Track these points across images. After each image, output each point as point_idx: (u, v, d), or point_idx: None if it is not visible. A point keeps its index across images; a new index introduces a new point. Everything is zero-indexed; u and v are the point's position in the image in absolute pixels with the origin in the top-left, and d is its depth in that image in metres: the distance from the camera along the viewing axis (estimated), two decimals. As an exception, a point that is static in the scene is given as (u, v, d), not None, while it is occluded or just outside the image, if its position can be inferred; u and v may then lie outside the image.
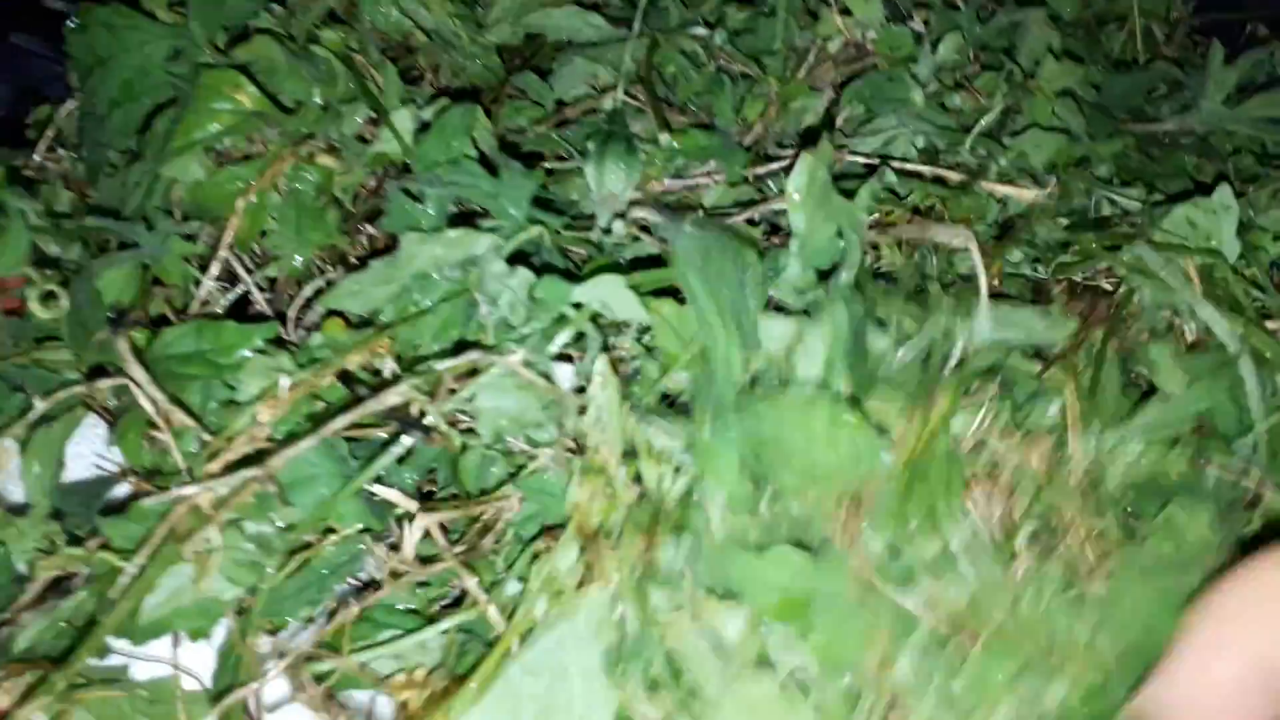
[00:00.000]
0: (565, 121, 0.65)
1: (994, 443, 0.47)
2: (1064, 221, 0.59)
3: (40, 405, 0.45)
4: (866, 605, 0.40)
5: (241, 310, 0.55)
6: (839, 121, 0.65)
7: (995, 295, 0.54)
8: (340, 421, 0.41)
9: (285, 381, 0.43)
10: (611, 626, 0.40)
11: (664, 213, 0.49)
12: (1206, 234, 0.54)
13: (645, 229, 0.55)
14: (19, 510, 0.46)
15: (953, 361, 0.48)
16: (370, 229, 0.59)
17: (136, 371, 0.42)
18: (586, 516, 0.42)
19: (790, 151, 0.60)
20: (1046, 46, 0.68)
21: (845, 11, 0.66)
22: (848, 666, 0.38)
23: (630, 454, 0.43)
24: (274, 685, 0.43)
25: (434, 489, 0.50)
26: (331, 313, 0.48)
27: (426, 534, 0.44)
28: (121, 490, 0.50)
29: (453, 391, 0.45)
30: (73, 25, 0.58)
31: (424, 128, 0.58)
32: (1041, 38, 0.69)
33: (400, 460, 0.47)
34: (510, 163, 0.51)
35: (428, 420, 0.44)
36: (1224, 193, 0.54)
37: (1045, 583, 0.42)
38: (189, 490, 0.39)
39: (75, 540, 0.46)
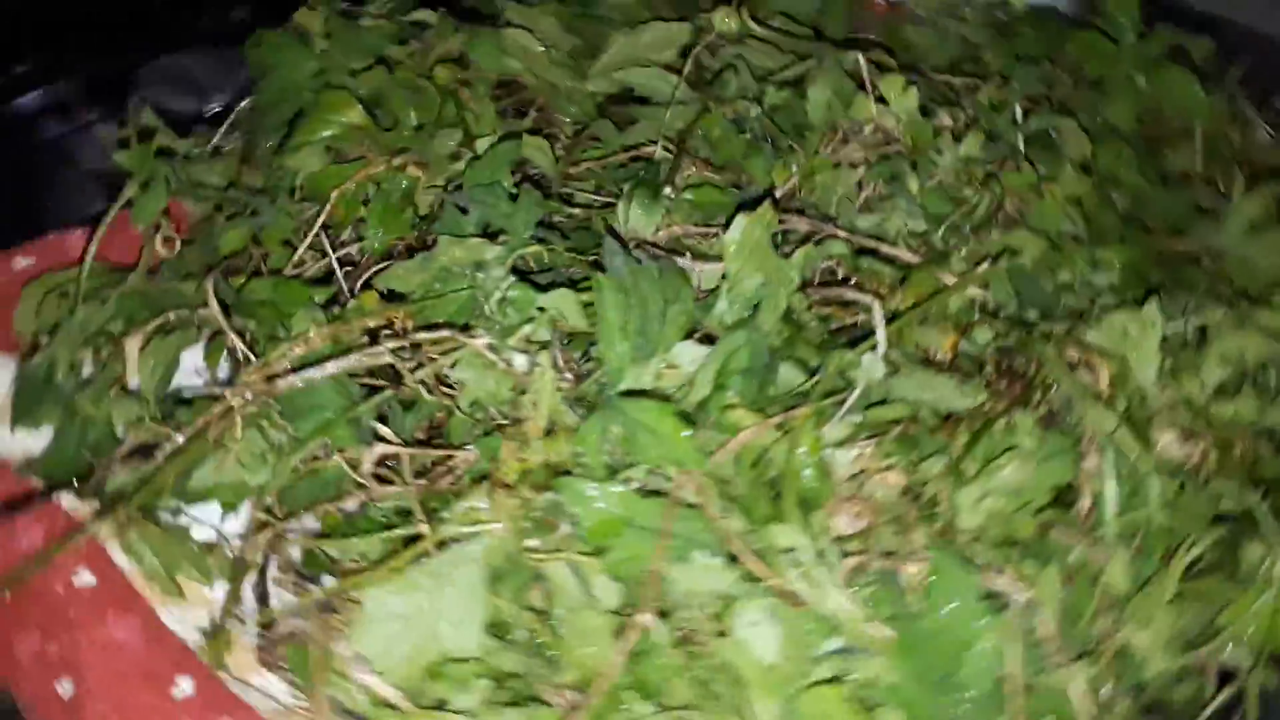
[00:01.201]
0: (624, 164, 0.77)
1: (872, 476, 0.56)
2: (1031, 314, 0.65)
3: (156, 320, 0.62)
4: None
5: (328, 278, 0.70)
6: (861, 197, 0.74)
7: (925, 363, 0.62)
8: (336, 364, 0.55)
9: (314, 329, 0.57)
10: (499, 554, 0.52)
11: (628, 250, 0.60)
12: (1135, 343, 0.60)
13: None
14: (133, 393, 0.63)
15: (849, 400, 0.56)
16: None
17: (214, 305, 0.58)
18: (503, 471, 0.53)
19: (791, 215, 0.70)
20: (1074, 155, 0.74)
21: (882, 100, 0.75)
22: (628, 579, 0.48)
23: (548, 430, 0.55)
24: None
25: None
26: (367, 286, 0.62)
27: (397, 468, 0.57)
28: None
29: (434, 360, 0.58)
30: (251, 40, 0.76)
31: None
32: (1074, 149, 0.74)
33: (406, 410, 0.61)
34: (530, 191, 0.64)
35: (407, 378, 0.57)
36: (1150, 309, 0.59)
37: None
38: (226, 393, 0.54)
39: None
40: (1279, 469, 0.60)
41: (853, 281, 0.65)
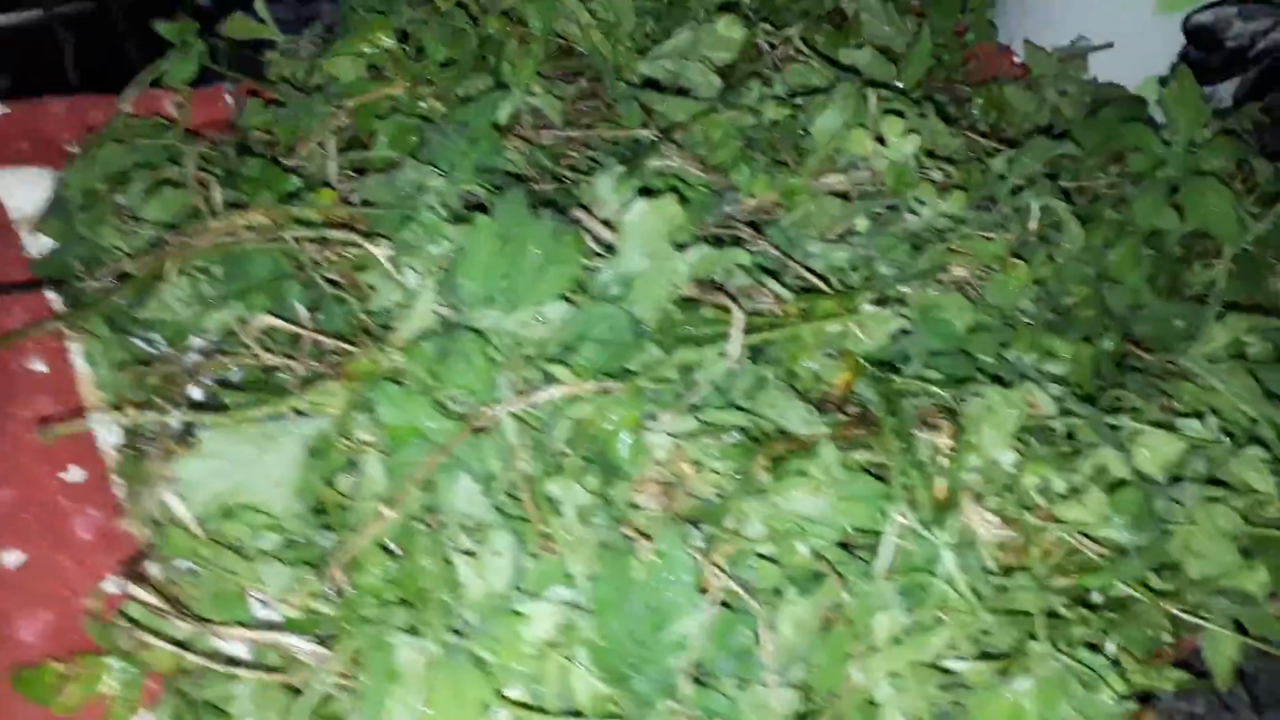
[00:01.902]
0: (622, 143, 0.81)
1: (684, 464, 0.59)
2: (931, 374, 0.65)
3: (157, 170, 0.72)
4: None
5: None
6: (839, 230, 0.75)
7: (791, 388, 0.63)
8: (258, 236, 0.63)
9: (264, 206, 0.65)
10: (320, 435, 0.58)
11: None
12: (998, 422, 0.59)
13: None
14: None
15: (696, 394, 0.59)
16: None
17: (190, 166, 0.68)
18: (354, 367, 0.60)
19: (734, 225, 0.72)
20: (1077, 247, 0.72)
21: (880, 139, 0.75)
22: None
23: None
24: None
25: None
26: (326, 185, 0.70)
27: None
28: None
29: (344, 259, 0.65)
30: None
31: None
32: (1076, 237, 0.73)
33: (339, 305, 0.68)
34: (491, 136, 0.69)
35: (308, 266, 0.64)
36: (1018, 392, 0.58)
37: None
38: (169, 238, 0.64)
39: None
40: (1100, 583, 0.58)
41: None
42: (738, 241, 0.72)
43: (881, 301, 0.65)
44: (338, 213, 0.67)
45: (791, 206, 0.76)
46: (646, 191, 0.65)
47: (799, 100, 0.80)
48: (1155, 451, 0.62)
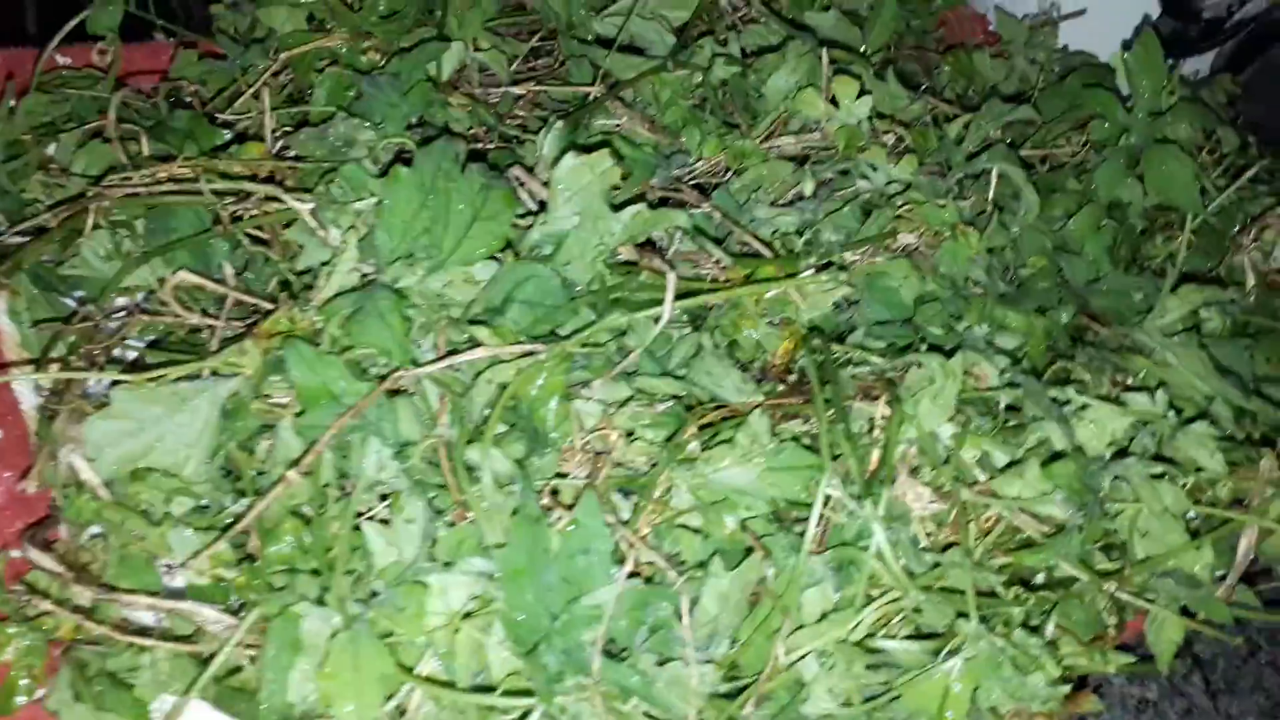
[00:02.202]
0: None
1: (613, 431, 0.57)
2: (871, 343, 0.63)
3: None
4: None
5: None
6: (790, 194, 0.73)
7: (728, 356, 0.61)
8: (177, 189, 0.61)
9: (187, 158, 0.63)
10: (233, 397, 0.56)
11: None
12: (934, 390, 0.57)
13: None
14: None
15: (629, 361, 0.57)
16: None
17: (112, 117, 0.65)
18: (269, 325, 0.57)
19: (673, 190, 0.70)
20: (1033, 214, 0.70)
21: (834, 101, 0.73)
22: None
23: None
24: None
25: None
26: (255, 138, 0.67)
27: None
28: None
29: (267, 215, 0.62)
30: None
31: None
32: (1027, 199, 0.70)
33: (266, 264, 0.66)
34: (422, 87, 0.67)
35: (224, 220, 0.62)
36: (957, 360, 0.56)
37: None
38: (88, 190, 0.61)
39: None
40: (1038, 560, 0.56)
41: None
42: (681, 205, 0.70)
43: (825, 268, 0.63)
44: (264, 167, 0.65)
45: (742, 169, 0.73)
46: (587, 150, 0.63)
47: (751, 61, 0.77)
48: (1101, 426, 0.60)
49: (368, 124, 0.65)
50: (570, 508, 0.54)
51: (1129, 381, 0.67)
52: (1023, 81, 0.93)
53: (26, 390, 0.67)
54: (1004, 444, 0.57)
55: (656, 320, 0.57)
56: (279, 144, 0.71)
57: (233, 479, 0.56)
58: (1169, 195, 0.72)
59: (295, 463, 0.52)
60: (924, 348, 0.60)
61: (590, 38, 0.84)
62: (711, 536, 0.53)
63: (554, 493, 0.54)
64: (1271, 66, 1.08)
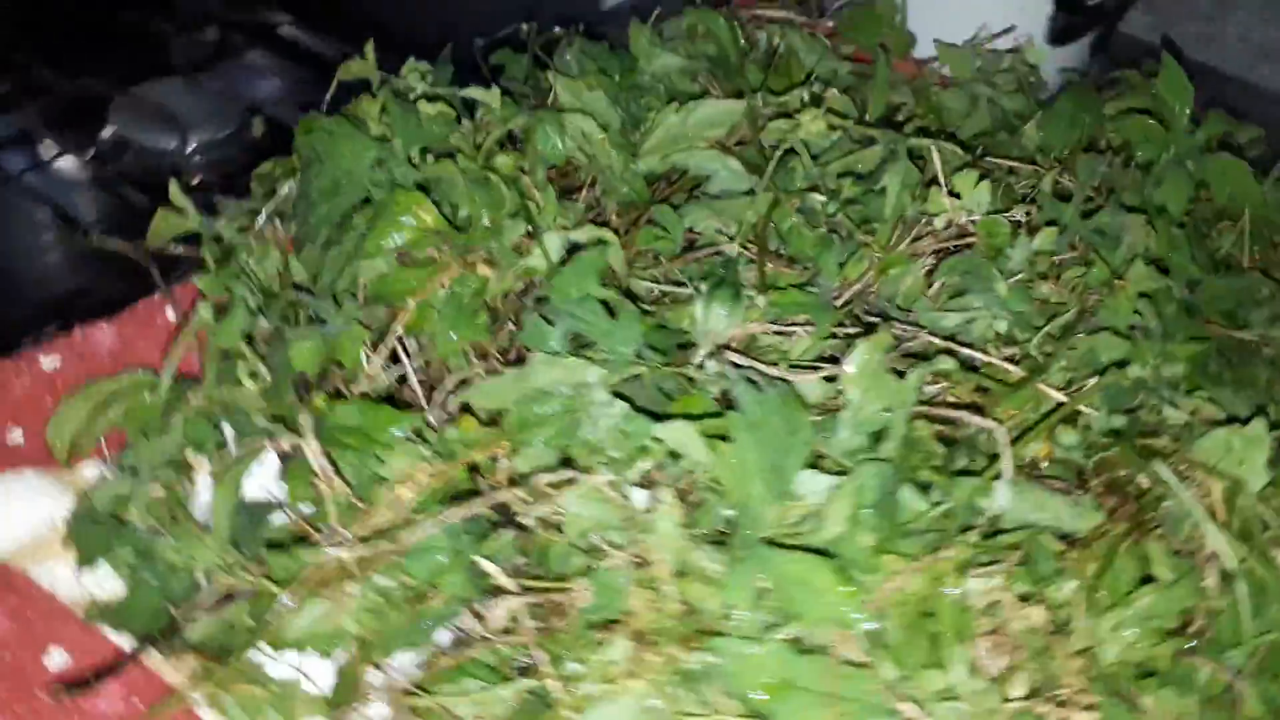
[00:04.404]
0: (689, 248, 0.75)
1: (1007, 607, 0.55)
2: (1117, 420, 0.65)
3: (235, 448, 0.58)
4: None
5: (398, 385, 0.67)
6: (933, 291, 0.73)
7: (1039, 477, 0.61)
8: (463, 511, 0.52)
9: (425, 469, 0.54)
10: (647, 714, 0.50)
11: (739, 368, 0.59)
12: (1239, 459, 0.60)
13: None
14: (203, 528, 0.59)
15: (974, 529, 0.56)
16: (513, 327, 0.71)
17: (311, 441, 0.54)
18: (638, 620, 0.51)
19: (873, 318, 0.68)
20: (1140, 249, 0.74)
21: (954, 194, 0.74)
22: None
23: (683, 573, 0.53)
24: (377, 707, 0.55)
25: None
26: (465, 409, 0.59)
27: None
28: (279, 519, 0.62)
29: (547, 495, 0.55)
30: (303, 125, 0.72)
31: (573, 249, 0.70)
32: (1138, 240, 0.75)
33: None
34: (626, 305, 0.61)
35: (526, 520, 0.54)
36: (1258, 425, 0.60)
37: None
38: (339, 551, 0.51)
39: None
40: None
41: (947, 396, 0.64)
42: (869, 329, 0.69)
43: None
44: (495, 444, 0.57)
45: (884, 282, 0.73)
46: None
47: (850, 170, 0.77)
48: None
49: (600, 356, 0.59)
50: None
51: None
52: (996, 110, 0.98)
53: None
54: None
55: (997, 479, 0.56)
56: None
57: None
58: (1237, 200, 0.80)
59: None
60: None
61: (644, 180, 0.80)
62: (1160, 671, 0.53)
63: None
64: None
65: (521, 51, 0.94)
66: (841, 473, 0.55)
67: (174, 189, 0.76)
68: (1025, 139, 0.91)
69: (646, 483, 0.56)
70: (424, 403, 0.64)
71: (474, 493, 0.56)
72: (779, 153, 0.77)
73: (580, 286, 0.63)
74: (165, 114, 1.24)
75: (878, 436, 0.57)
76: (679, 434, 0.54)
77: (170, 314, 0.76)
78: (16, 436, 0.69)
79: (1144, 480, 0.62)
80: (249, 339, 0.60)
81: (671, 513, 0.53)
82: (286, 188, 0.76)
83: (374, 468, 0.56)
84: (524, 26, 0.93)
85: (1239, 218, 0.84)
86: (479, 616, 0.56)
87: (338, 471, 0.56)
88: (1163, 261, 0.79)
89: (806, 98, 0.81)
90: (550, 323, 0.63)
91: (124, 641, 0.57)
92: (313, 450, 0.55)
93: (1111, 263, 0.73)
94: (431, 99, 0.73)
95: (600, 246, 0.64)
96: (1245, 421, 0.63)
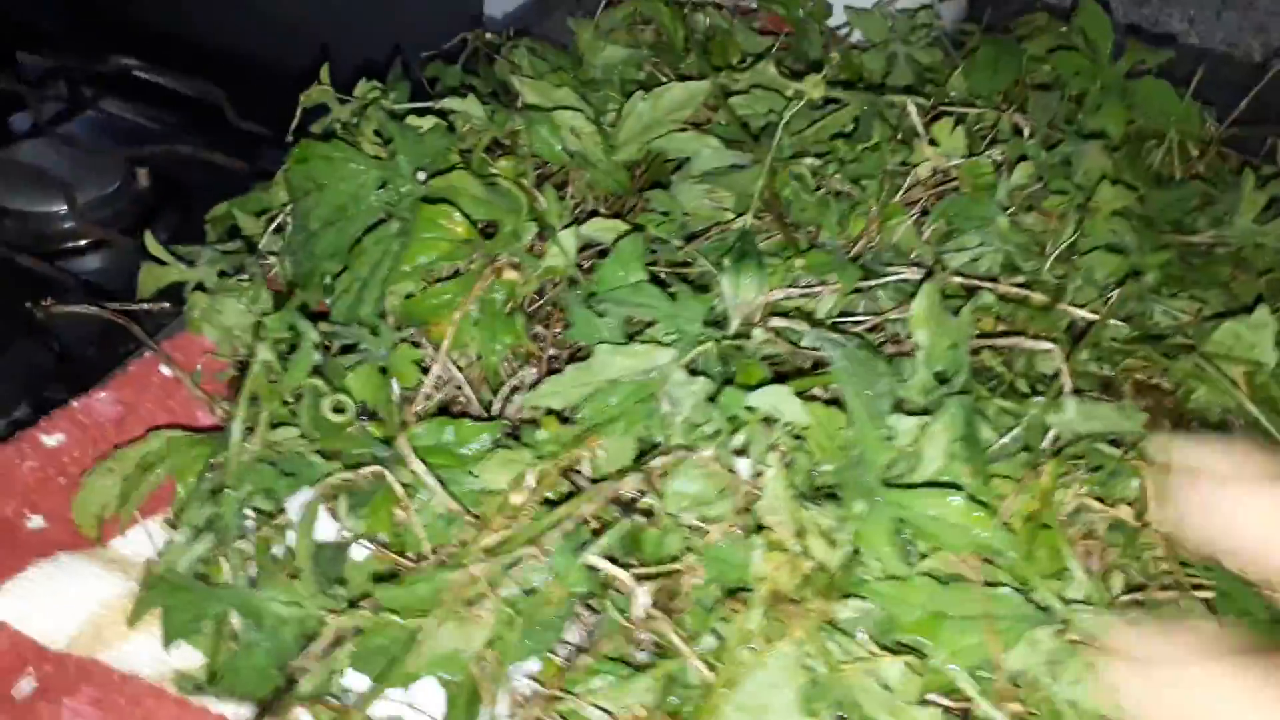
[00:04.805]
0: (693, 236, 0.76)
1: (1087, 511, 0.59)
2: (1125, 329, 0.70)
3: (309, 493, 0.56)
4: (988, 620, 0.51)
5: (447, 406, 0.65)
6: (925, 235, 0.77)
7: (1076, 392, 0.65)
8: (585, 508, 0.52)
9: (531, 474, 0.53)
10: (800, 673, 0.50)
11: (812, 329, 0.60)
12: (1250, 345, 0.66)
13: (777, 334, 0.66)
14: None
15: (1045, 447, 0.59)
16: (539, 328, 0.71)
17: (417, 464, 0.53)
18: (773, 583, 0.52)
19: (890, 267, 0.71)
20: (1102, 171, 0.80)
21: (933, 142, 0.78)
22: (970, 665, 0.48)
23: (799, 532, 0.54)
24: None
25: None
26: (549, 412, 0.58)
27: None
28: (357, 553, 0.60)
29: (656, 480, 0.55)
30: (297, 154, 0.69)
31: (584, 244, 0.70)
32: (1099, 164, 0.80)
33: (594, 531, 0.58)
34: (682, 287, 0.62)
35: (647, 506, 0.54)
36: (1262, 311, 0.65)
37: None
38: (476, 569, 0.50)
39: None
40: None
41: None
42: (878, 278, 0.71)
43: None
44: (590, 440, 0.57)
45: (888, 230, 0.76)
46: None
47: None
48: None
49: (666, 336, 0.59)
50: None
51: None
52: (917, 66, 1.03)
53: None
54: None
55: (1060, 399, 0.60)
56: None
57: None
58: (1169, 121, 0.87)
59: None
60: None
61: (625, 169, 0.81)
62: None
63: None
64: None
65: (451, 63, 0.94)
66: (922, 412, 0.58)
67: (149, 239, 0.73)
68: (951, 88, 0.95)
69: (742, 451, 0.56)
70: (484, 414, 0.63)
71: (574, 491, 0.55)
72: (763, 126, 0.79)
73: (626, 274, 0.63)
74: (43, 176, 1.17)
75: (945, 373, 0.59)
76: (776, 398, 0.55)
77: (166, 370, 0.72)
78: (38, 522, 0.64)
79: (1165, 381, 0.67)
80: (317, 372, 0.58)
81: (781, 476, 0.54)
82: (273, 224, 0.73)
83: (473, 482, 0.55)
84: (468, 36, 0.93)
85: (1161, 135, 0.91)
86: (596, 612, 0.56)
87: (443, 485, 0.54)
88: (1111, 180, 0.85)
89: (774, 71, 0.83)
90: (599, 314, 0.63)
91: (229, 709, 0.54)
92: (417, 472, 0.53)
93: (1079, 188, 0.78)
94: (421, 113, 0.72)
95: (634, 233, 0.65)
96: (1239, 313, 0.68)
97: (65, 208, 1.14)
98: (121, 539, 0.64)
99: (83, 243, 1.14)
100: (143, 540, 0.64)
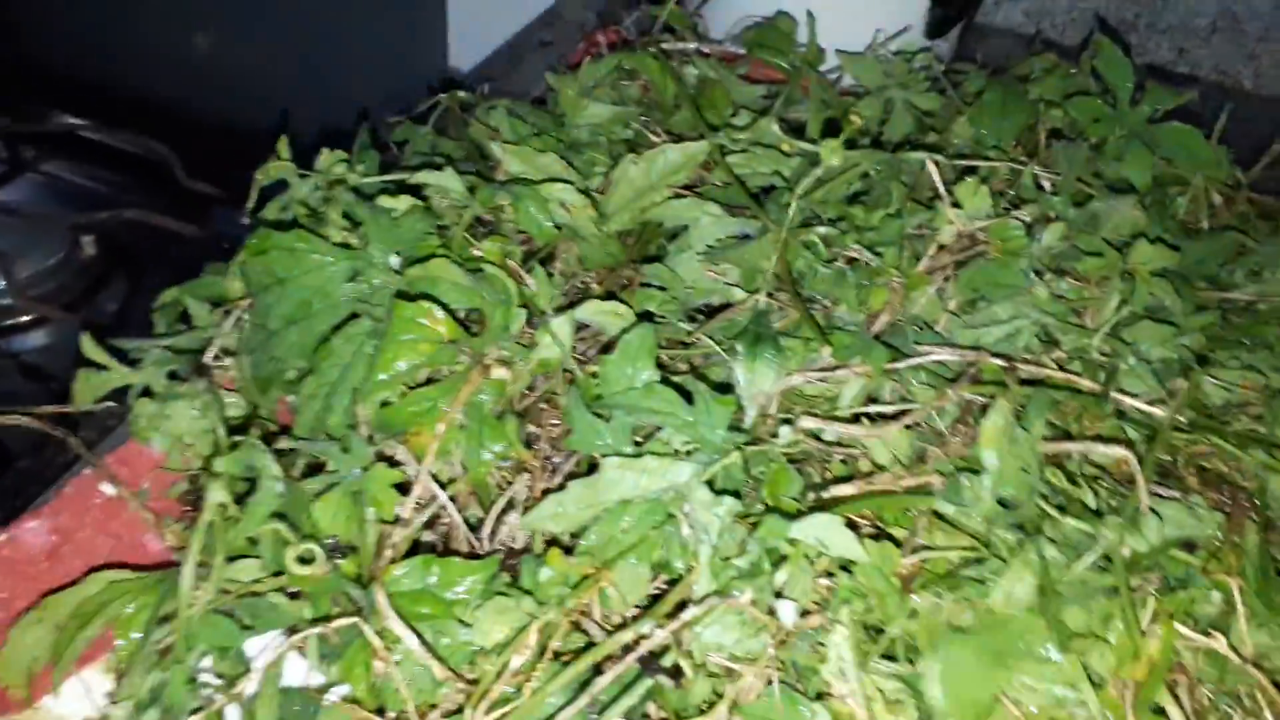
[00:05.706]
0: (695, 312, 0.69)
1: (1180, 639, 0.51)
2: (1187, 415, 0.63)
3: (273, 636, 0.47)
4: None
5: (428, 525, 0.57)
6: (951, 306, 0.70)
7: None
8: (600, 681, 0.44)
9: (535, 628, 0.45)
10: None
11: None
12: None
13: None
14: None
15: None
16: (531, 427, 0.63)
17: (395, 622, 0.45)
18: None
19: (921, 347, 0.64)
20: (1134, 227, 0.73)
21: (956, 205, 0.71)
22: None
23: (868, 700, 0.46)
24: None
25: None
26: (550, 542, 0.50)
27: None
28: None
29: (684, 628, 0.47)
30: (253, 246, 0.61)
31: (579, 328, 0.62)
32: (1129, 219, 0.74)
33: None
34: (700, 388, 0.54)
35: (670, 662, 0.46)
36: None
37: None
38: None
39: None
40: None
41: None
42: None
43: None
44: (603, 577, 0.49)
45: (911, 302, 0.69)
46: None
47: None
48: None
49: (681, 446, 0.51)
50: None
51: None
52: (910, 110, 0.97)
53: None
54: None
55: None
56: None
57: None
58: (1195, 166, 0.81)
59: None
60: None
61: (618, 240, 0.73)
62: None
63: None
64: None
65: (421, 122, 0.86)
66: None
67: (86, 342, 0.64)
68: (955, 136, 0.89)
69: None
70: (474, 541, 0.55)
71: (594, 644, 0.47)
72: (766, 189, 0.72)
73: (634, 373, 0.56)
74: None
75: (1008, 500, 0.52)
76: (824, 531, 0.47)
77: (108, 488, 0.63)
78: (-45, 682, 0.55)
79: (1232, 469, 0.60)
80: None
81: (851, 636, 0.46)
82: (227, 324, 0.65)
83: (466, 632, 0.47)
84: (441, 97, 0.85)
85: (1183, 182, 0.85)
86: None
87: (426, 647, 0.46)
88: (1146, 237, 0.79)
89: (777, 129, 0.76)
90: (604, 418, 0.55)
91: None
92: (401, 631, 0.45)
93: (1114, 247, 0.71)
94: (394, 190, 0.64)
95: (644, 326, 0.57)
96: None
97: (3, 283, 1.06)
98: (53, 698, 0.55)
99: (23, 319, 1.07)
100: (79, 696, 0.55)
